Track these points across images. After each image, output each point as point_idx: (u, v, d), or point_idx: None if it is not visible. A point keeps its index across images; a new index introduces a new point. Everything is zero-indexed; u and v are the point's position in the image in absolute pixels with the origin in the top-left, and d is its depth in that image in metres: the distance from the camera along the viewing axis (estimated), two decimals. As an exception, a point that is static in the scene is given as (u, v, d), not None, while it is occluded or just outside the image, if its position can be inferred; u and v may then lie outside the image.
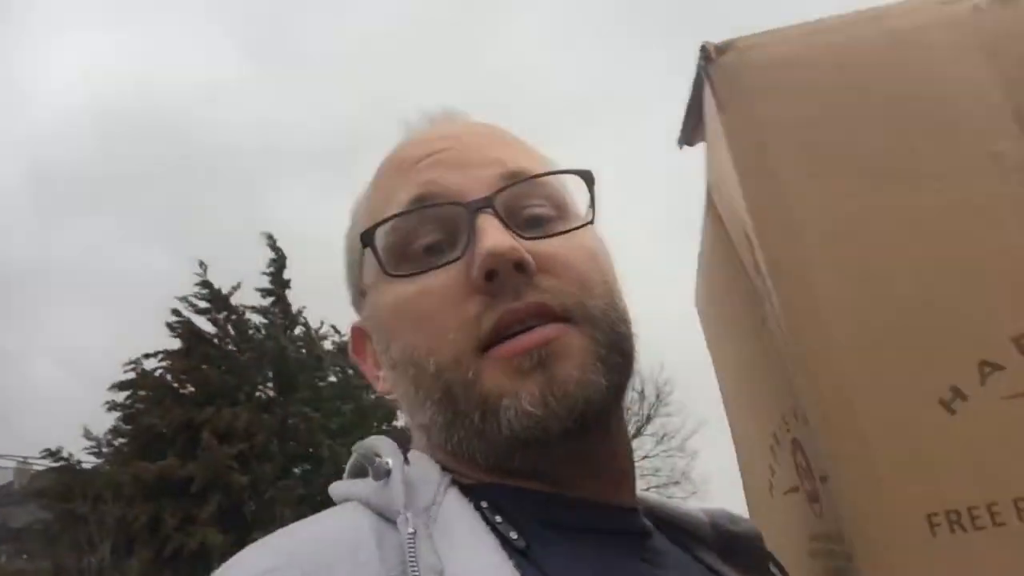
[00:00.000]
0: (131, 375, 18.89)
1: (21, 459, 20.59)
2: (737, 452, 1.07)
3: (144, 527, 16.95)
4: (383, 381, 0.79)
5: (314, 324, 22.36)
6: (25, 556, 17.69)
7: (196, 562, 16.91)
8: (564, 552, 0.63)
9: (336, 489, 0.75)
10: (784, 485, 0.88)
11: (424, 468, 0.69)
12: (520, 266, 0.66)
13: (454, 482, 0.68)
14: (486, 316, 0.66)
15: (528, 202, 0.72)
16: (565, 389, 0.64)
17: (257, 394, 20.45)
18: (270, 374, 20.95)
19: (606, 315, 0.69)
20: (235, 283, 20.69)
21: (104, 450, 18.36)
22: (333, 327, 22.48)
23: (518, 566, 0.59)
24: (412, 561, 0.56)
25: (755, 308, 0.77)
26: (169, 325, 19.69)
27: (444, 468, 0.69)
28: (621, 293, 0.75)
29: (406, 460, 0.70)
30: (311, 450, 19.74)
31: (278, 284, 21.91)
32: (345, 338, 22.26)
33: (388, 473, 0.66)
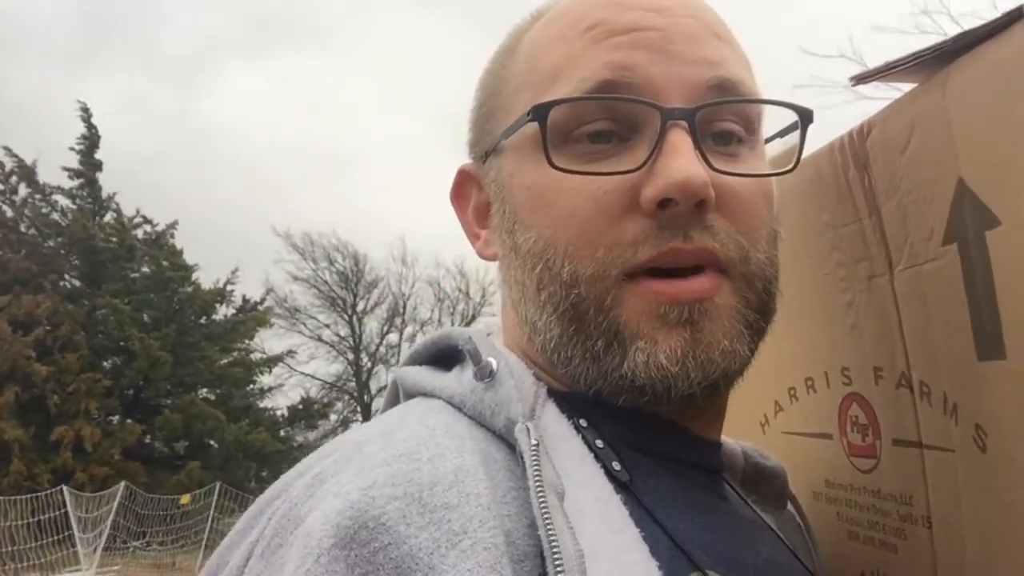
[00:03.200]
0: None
1: None
2: None
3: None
4: (485, 243, 0.71)
5: (128, 212, 21.17)
6: None
7: (-7, 455, 16.03)
8: (663, 487, 0.59)
9: (410, 378, 0.68)
10: (791, 427, 0.89)
11: (520, 371, 0.62)
12: (701, 204, 0.58)
13: (550, 393, 0.62)
14: (645, 247, 0.58)
15: (723, 116, 0.63)
16: (709, 355, 0.58)
17: (62, 283, 19.26)
18: (76, 262, 19.75)
19: (764, 272, 0.63)
20: (34, 158, 19.15)
21: None
22: (145, 217, 21.38)
23: (624, 502, 0.55)
24: (537, 477, 0.50)
25: (860, 262, 0.75)
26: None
27: (536, 375, 0.63)
28: (778, 242, 0.67)
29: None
30: (121, 343, 18.91)
31: (88, 165, 20.49)
32: (159, 228, 21.41)
33: (492, 374, 0.59)
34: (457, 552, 0.46)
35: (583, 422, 0.60)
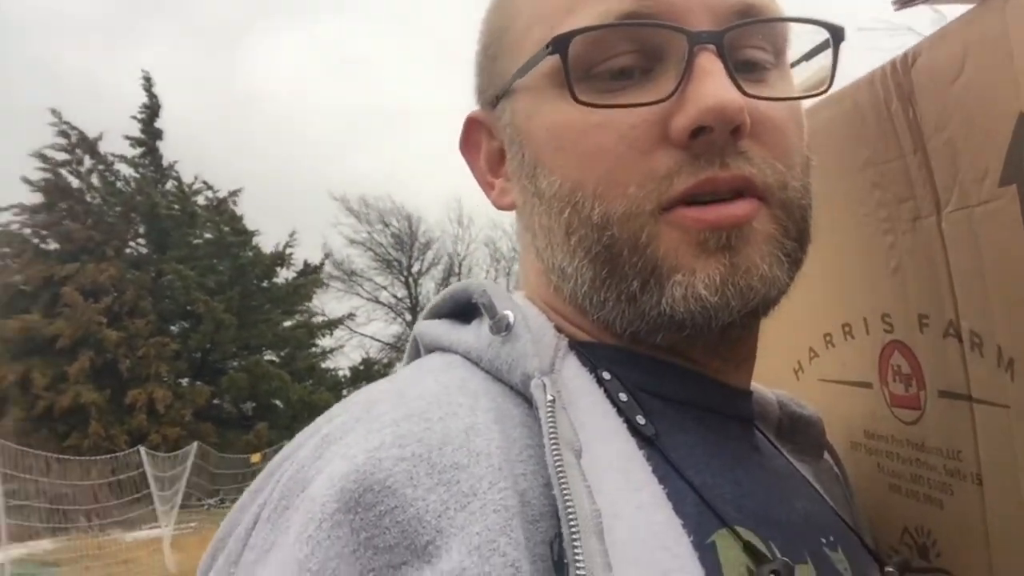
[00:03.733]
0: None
1: None
2: None
3: (14, 386, 16.48)
4: (501, 192, 0.68)
5: (187, 179, 21.57)
6: None
7: (70, 418, 16.67)
8: (692, 440, 0.57)
9: (428, 332, 0.66)
10: (827, 374, 0.85)
11: (538, 324, 0.60)
12: (736, 130, 0.55)
13: (571, 345, 0.60)
14: (680, 177, 0.55)
15: (750, 42, 0.59)
16: (748, 281, 0.55)
17: (127, 250, 19.77)
18: (141, 230, 20.24)
19: (800, 200, 0.60)
20: (100, 131, 19.57)
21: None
22: (206, 183, 21.76)
23: (648, 458, 0.52)
24: (552, 434, 0.48)
25: (904, 203, 0.71)
26: (27, 180, 18.59)
27: (557, 326, 0.61)
28: (811, 170, 0.64)
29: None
30: (187, 307, 19.41)
31: (150, 134, 20.88)
32: (219, 195, 21.80)
33: (509, 327, 0.56)
34: (466, 514, 0.45)
35: (606, 374, 0.58)
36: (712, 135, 0.54)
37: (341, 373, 23.51)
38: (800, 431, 0.74)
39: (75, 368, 16.93)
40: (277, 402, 20.23)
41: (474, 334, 0.59)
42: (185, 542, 10.61)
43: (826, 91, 0.64)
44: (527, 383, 0.53)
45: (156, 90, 20.26)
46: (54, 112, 19.06)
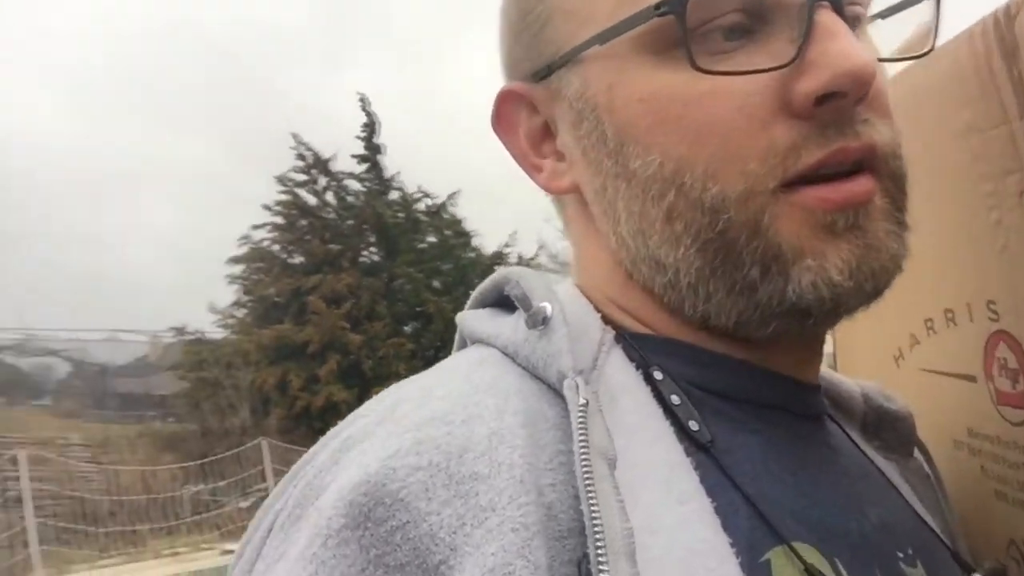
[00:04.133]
0: (244, 250, 19.81)
1: (152, 334, 22.02)
2: None
3: (274, 388, 18.18)
4: (553, 174, 0.60)
5: (409, 188, 22.80)
6: (172, 419, 19.26)
7: (325, 416, 18.09)
8: (752, 444, 0.52)
9: (468, 323, 0.61)
10: (930, 364, 0.77)
11: (582, 315, 0.55)
12: (867, 93, 0.49)
13: (617, 339, 0.54)
14: (808, 149, 0.49)
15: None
16: (881, 261, 0.51)
17: (361, 259, 21.19)
18: (372, 239, 21.61)
19: (904, 168, 0.54)
20: (333, 152, 21.12)
21: (228, 321, 19.52)
22: (424, 191, 22.85)
23: (697, 466, 0.46)
24: (583, 440, 0.44)
25: (1010, 175, 0.64)
26: (266, 207, 20.41)
27: (606, 317, 0.56)
28: None
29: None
30: (418, 308, 20.50)
31: (371, 149, 22.23)
32: (437, 201, 22.85)
33: (546, 321, 0.51)
34: (483, 531, 0.41)
35: (658, 374, 0.52)
36: (843, 100, 0.49)
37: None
38: (887, 427, 0.68)
39: (325, 370, 18.37)
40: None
41: (512, 327, 0.54)
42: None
43: (930, 51, 0.57)
44: (562, 382, 0.48)
45: (372, 108, 21.43)
46: (294, 136, 20.70)
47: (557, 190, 0.60)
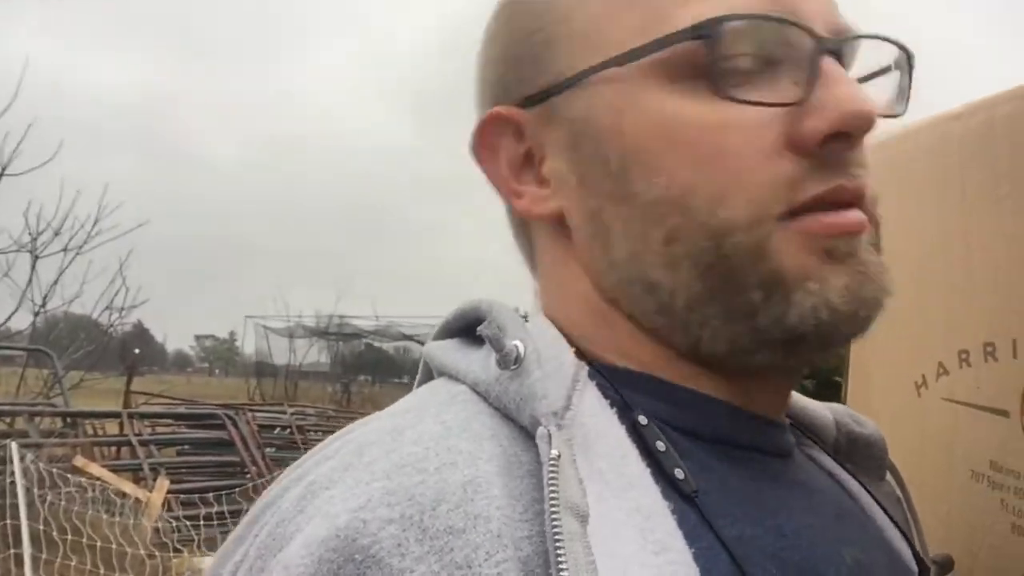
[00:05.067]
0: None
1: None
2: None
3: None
4: (534, 200, 0.60)
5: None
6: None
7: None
8: (727, 489, 0.51)
9: (435, 355, 0.59)
10: (957, 395, 0.78)
11: (554, 351, 0.53)
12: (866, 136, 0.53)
13: (592, 374, 0.53)
14: (810, 184, 0.51)
15: (848, 59, 0.56)
16: (874, 291, 0.52)
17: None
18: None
19: (880, 221, 0.57)
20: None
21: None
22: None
23: (675, 509, 0.46)
24: (554, 499, 0.42)
25: None
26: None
27: (579, 349, 0.55)
28: None
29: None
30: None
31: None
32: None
33: (518, 360, 0.50)
34: None
35: (643, 418, 0.51)
36: (846, 142, 0.51)
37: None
38: (860, 451, 0.69)
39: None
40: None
41: (482, 364, 0.53)
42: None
43: (903, 114, 0.60)
44: (535, 428, 0.47)
45: None
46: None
47: (539, 216, 0.60)
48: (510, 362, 0.50)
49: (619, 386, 0.53)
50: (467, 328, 0.59)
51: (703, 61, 0.51)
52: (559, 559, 0.40)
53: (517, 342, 0.51)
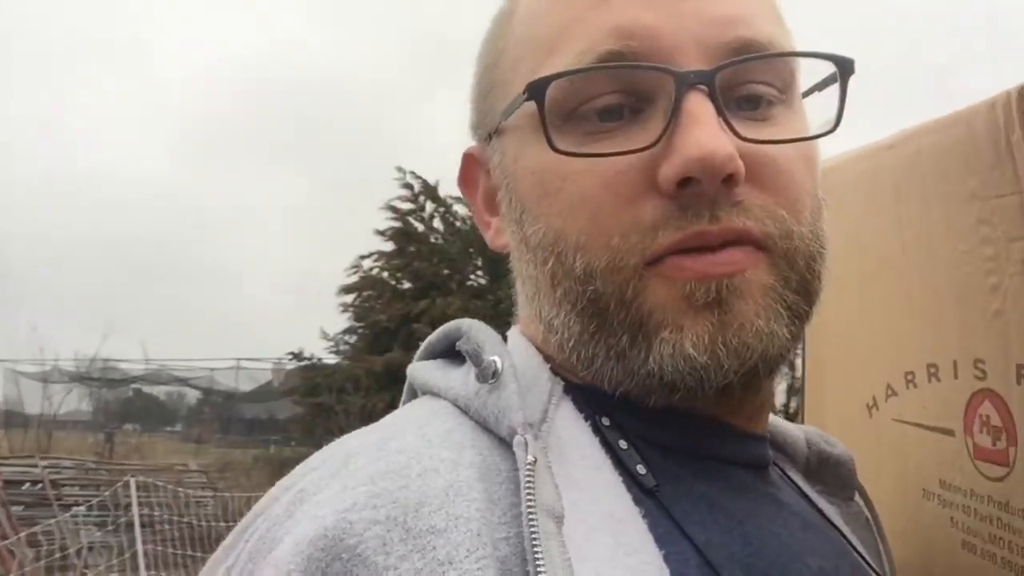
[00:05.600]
0: (354, 278, 20.36)
1: (275, 360, 22.78)
2: (812, 351, 0.97)
3: (383, 413, 18.46)
4: (496, 232, 0.64)
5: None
6: (293, 443, 19.85)
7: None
8: (697, 493, 0.53)
9: (418, 375, 0.62)
10: (905, 415, 0.80)
11: (531, 367, 0.57)
12: (730, 179, 0.50)
13: (567, 389, 0.56)
14: (666, 231, 0.51)
15: (750, 77, 0.54)
16: (742, 338, 0.51)
17: (468, 282, 21.44)
18: (479, 263, 21.86)
19: (808, 248, 0.55)
20: (436, 179, 21.53)
21: (341, 348, 20.03)
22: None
23: (647, 514, 0.48)
24: (530, 500, 0.44)
25: (1015, 242, 0.66)
26: (380, 232, 20.89)
27: (553, 368, 0.57)
28: (824, 213, 0.58)
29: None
30: (524, 331, 20.56)
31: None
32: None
33: (496, 375, 0.52)
34: None
35: (605, 420, 0.54)
36: (701, 187, 0.50)
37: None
38: (829, 471, 0.70)
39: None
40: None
41: (462, 380, 0.55)
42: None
43: (833, 130, 0.57)
44: (512, 437, 0.49)
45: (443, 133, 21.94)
46: (399, 169, 21.22)
47: (496, 247, 0.64)
48: (488, 376, 0.52)
49: (591, 402, 0.55)
50: (448, 350, 0.62)
51: (556, 113, 0.53)
52: (536, 557, 0.42)
53: (495, 357, 0.53)
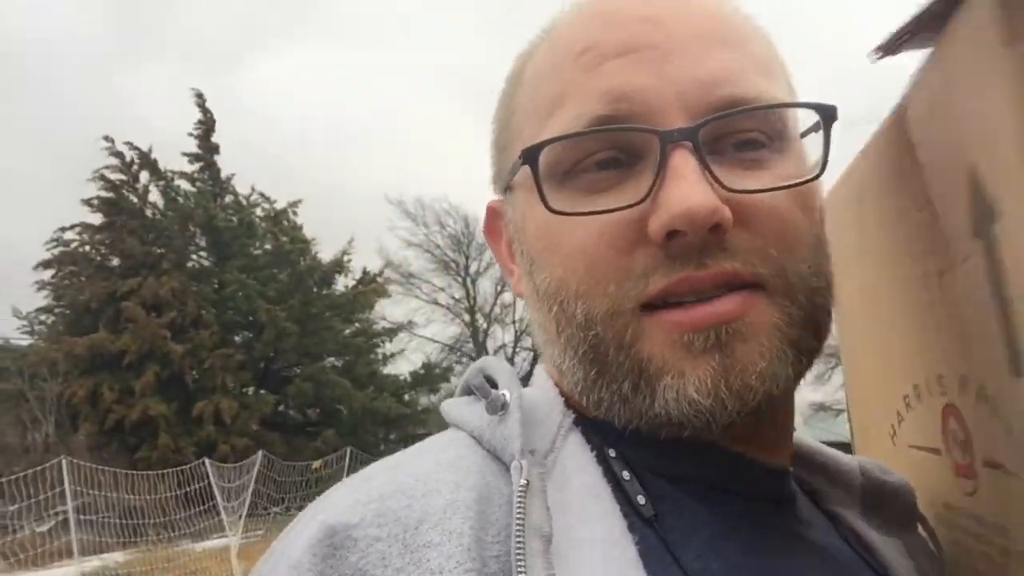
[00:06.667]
0: (55, 252, 18.41)
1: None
2: (849, 384, 0.98)
3: (84, 401, 16.87)
4: (517, 279, 0.67)
5: (243, 191, 21.90)
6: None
7: (139, 431, 17.03)
8: (700, 523, 0.55)
9: (447, 410, 0.66)
10: (912, 440, 0.79)
11: (545, 401, 0.60)
12: (716, 228, 0.53)
13: (578, 421, 0.59)
14: (656, 277, 0.54)
15: (738, 127, 0.57)
16: (744, 380, 0.53)
17: (190, 264, 20.15)
18: (202, 243, 20.61)
19: (807, 283, 0.56)
20: (151, 145, 20.07)
21: (36, 328, 18.03)
22: (263, 195, 22.05)
23: (641, 541, 0.51)
24: (519, 518, 0.48)
25: (930, 256, 0.65)
26: (87, 202, 19.11)
27: (568, 401, 0.61)
28: (828, 249, 0.61)
29: (527, 382, 0.64)
30: (250, 318, 19.67)
31: (206, 149, 21.27)
32: (278, 206, 22.12)
33: (504, 407, 0.57)
34: None
35: (612, 452, 0.57)
36: (687, 238, 0.53)
37: (402, 378, 23.69)
38: (887, 502, 0.70)
39: (142, 382, 17.27)
40: (341, 408, 20.41)
41: (479, 414, 0.59)
42: (252, 550, 10.67)
43: (819, 175, 0.59)
44: (511, 462, 0.53)
45: (157, 110, 20.75)
46: (107, 138, 19.59)
47: (519, 293, 0.68)
48: (497, 408, 0.57)
49: (600, 434, 0.58)
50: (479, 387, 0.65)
51: (553, 174, 0.58)
52: (519, 572, 0.45)
53: (503, 392, 0.59)
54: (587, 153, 0.56)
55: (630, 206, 0.54)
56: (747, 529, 0.56)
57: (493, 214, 0.71)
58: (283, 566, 0.49)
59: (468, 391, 0.67)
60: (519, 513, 0.48)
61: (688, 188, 0.52)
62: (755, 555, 0.54)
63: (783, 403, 0.59)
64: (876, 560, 0.65)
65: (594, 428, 0.58)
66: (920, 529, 0.72)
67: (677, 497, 0.56)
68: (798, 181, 0.57)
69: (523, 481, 0.49)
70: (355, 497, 0.52)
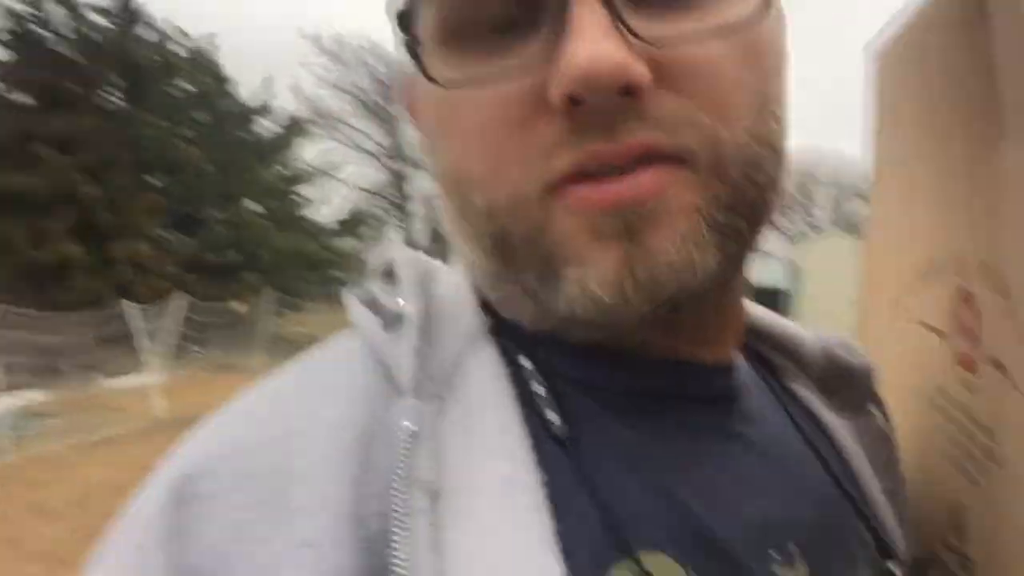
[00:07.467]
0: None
1: None
2: (867, 248, 0.89)
3: (-8, 245, 16.60)
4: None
5: (162, 27, 20.93)
6: None
7: (55, 274, 16.86)
8: (617, 442, 0.48)
9: (349, 305, 0.55)
10: (918, 314, 0.73)
11: (455, 305, 0.52)
12: (627, 90, 0.42)
13: (495, 329, 0.51)
14: (560, 153, 0.44)
15: None
16: (652, 273, 0.44)
17: (107, 103, 19.45)
18: (117, 80, 19.82)
19: (745, 154, 0.46)
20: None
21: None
22: (181, 30, 21.07)
23: (550, 480, 0.44)
24: (401, 475, 0.41)
25: (980, 127, 0.59)
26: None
27: (484, 303, 0.53)
28: (781, 109, 0.49)
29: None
30: (167, 159, 19.23)
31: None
32: (197, 44, 21.20)
33: (399, 320, 0.49)
34: (295, 567, 0.39)
35: (527, 362, 0.49)
36: (593, 103, 0.43)
37: (326, 224, 23.67)
38: (846, 383, 0.66)
39: (56, 224, 17.03)
40: (261, 251, 20.44)
41: (377, 321, 0.51)
42: (176, 390, 10.98)
43: (765, 14, 0.47)
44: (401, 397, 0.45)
45: None
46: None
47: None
48: (390, 321, 0.50)
49: (520, 344, 0.51)
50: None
51: (436, 35, 0.47)
52: (394, 537, 0.39)
53: (401, 300, 0.50)
54: (477, 8, 0.46)
55: (525, 71, 0.44)
56: (673, 439, 0.50)
57: (412, 88, 0.57)
58: (128, 547, 0.42)
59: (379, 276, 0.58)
60: (400, 467, 0.41)
61: (587, 42, 0.42)
62: (679, 470, 0.49)
63: (717, 294, 0.50)
64: (833, 447, 0.61)
65: (509, 335, 0.51)
66: (874, 409, 0.68)
67: (596, 411, 0.49)
68: (737, 23, 0.45)
69: (410, 427, 0.43)
70: (216, 449, 0.45)
